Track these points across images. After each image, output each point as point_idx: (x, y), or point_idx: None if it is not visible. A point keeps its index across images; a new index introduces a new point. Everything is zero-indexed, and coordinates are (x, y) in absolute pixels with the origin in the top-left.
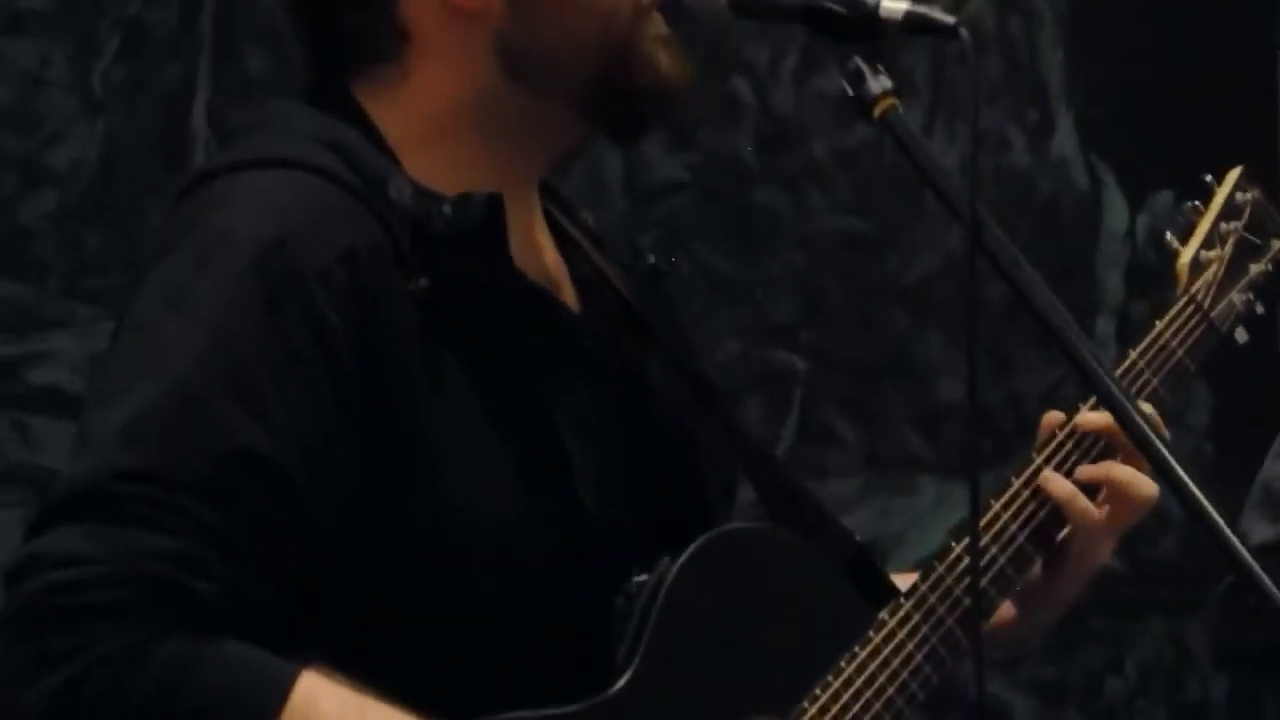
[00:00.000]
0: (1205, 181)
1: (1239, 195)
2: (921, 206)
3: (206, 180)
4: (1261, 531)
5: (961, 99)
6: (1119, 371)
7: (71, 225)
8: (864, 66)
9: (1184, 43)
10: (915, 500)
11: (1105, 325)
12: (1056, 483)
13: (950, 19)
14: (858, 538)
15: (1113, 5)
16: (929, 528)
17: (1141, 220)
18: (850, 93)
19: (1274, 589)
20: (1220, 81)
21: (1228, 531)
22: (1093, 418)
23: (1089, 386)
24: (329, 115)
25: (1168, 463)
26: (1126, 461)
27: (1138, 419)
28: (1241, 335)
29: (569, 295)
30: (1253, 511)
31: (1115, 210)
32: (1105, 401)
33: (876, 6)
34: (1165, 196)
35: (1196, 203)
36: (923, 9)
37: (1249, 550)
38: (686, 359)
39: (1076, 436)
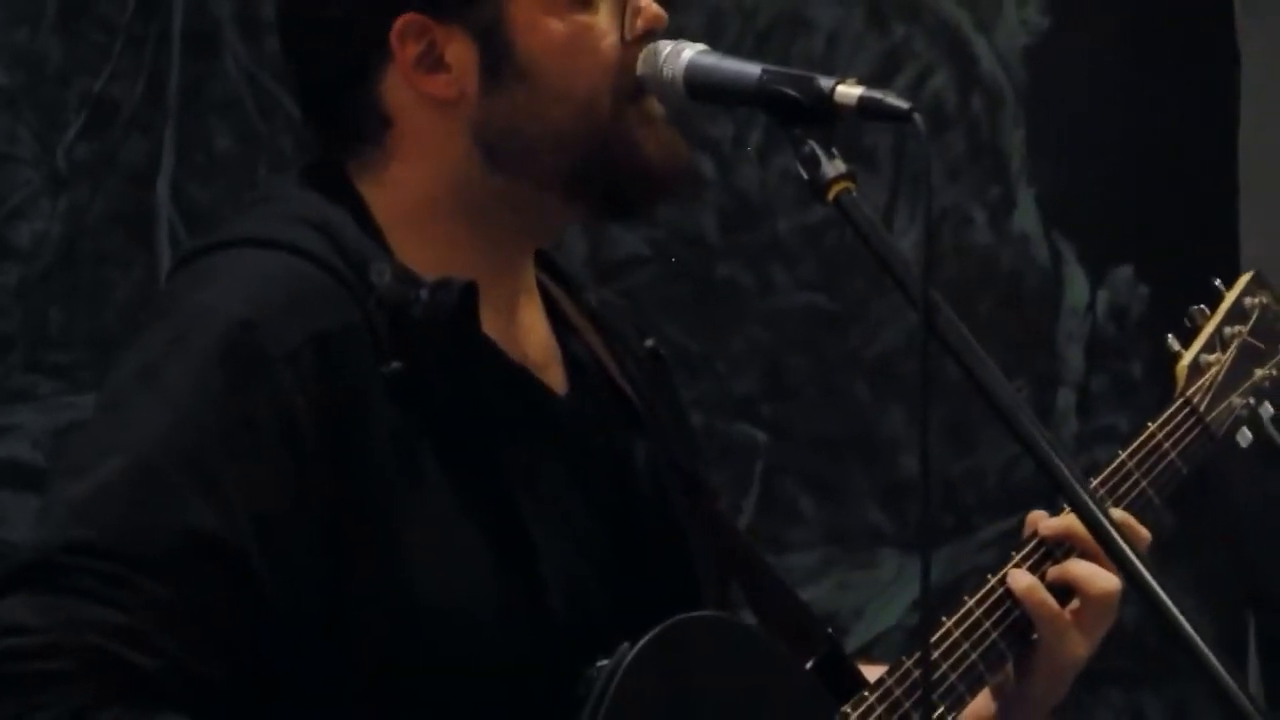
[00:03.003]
0: (1215, 285)
1: (1248, 300)
2: (883, 282)
3: (195, 257)
4: None
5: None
6: (1108, 471)
7: (35, 300)
8: (819, 150)
9: (1144, 120)
10: (876, 574)
11: (1066, 399)
12: (1019, 577)
13: (904, 104)
14: (830, 631)
15: (1073, 83)
16: (890, 601)
17: (1102, 295)
18: (805, 176)
19: (1235, 688)
20: (1181, 158)
21: (1174, 607)
22: (1052, 523)
23: (1039, 466)
24: (323, 193)
25: (1117, 545)
26: (1088, 558)
27: (1084, 497)
28: (1245, 438)
29: (556, 377)
30: None
31: (1076, 286)
32: (1050, 477)
33: (831, 92)
34: (1125, 272)
35: (1203, 306)
36: (877, 94)
37: None
38: (678, 447)
39: (1047, 540)
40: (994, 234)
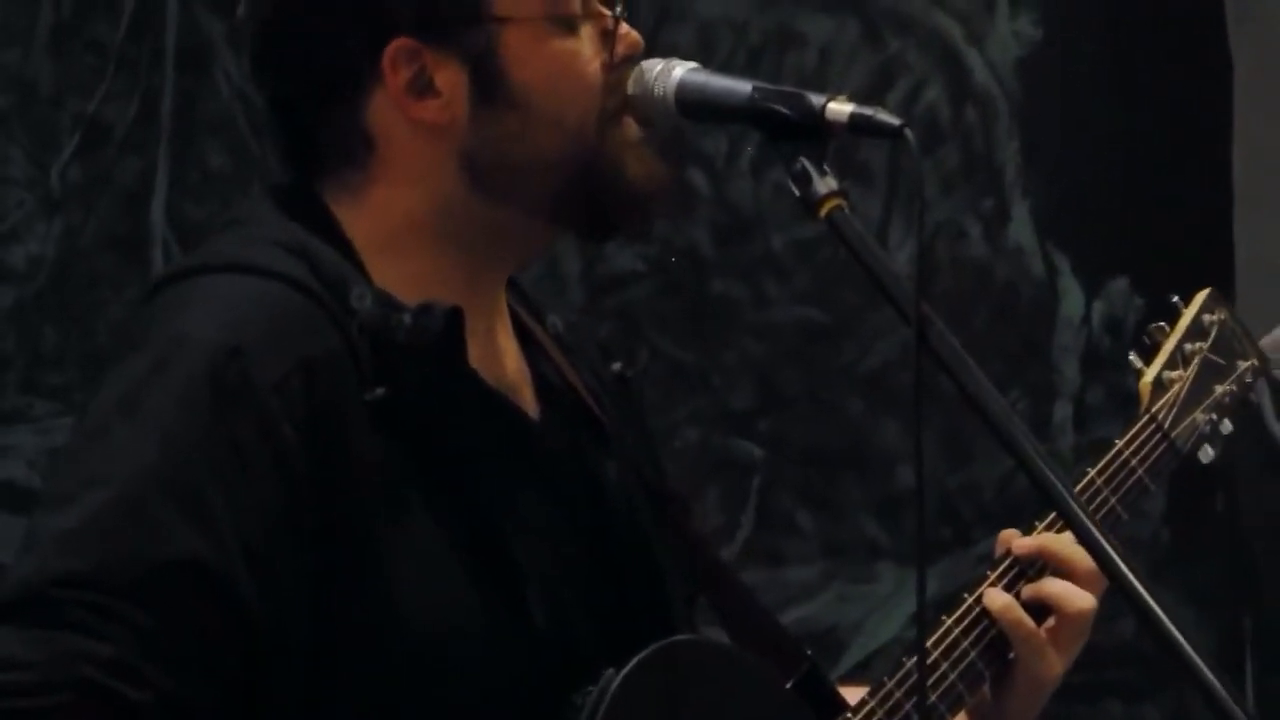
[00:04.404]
0: (1173, 302)
1: (1206, 317)
2: (877, 296)
3: (171, 282)
4: None
5: (918, 190)
6: (1077, 489)
7: (29, 321)
8: (810, 167)
9: (1138, 131)
10: (874, 587)
11: (1062, 411)
12: (995, 597)
13: (895, 120)
14: (809, 652)
15: (1067, 95)
16: (888, 615)
17: (1097, 307)
18: (797, 193)
19: (1228, 700)
20: (1175, 170)
21: (1168, 621)
22: (1025, 542)
23: (1030, 479)
24: (297, 215)
25: (1110, 558)
26: (1062, 576)
27: (1077, 510)
28: (1207, 454)
29: (529, 400)
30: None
31: (1071, 298)
32: (1043, 491)
33: (822, 109)
34: (1120, 283)
35: (1163, 323)
36: (868, 110)
37: None
38: (648, 466)
39: (1020, 559)
40: (989, 246)
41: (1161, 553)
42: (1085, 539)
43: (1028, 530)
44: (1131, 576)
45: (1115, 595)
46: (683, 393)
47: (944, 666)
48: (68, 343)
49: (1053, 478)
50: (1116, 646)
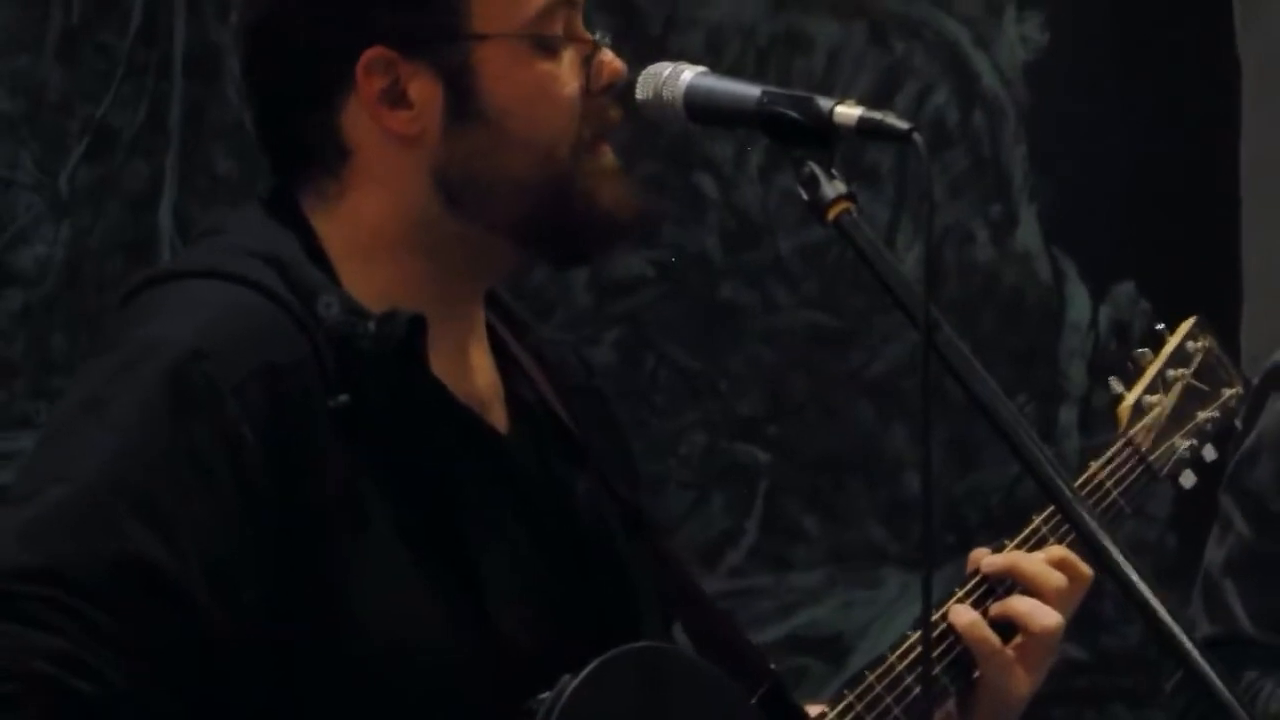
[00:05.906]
0: (1157, 330)
1: (1190, 344)
2: (885, 300)
3: (144, 288)
4: (1202, 626)
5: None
6: (1051, 509)
7: (38, 325)
8: (818, 171)
9: (1145, 134)
10: (879, 592)
11: (1068, 415)
12: (960, 613)
13: (904, 124)
14: (773, 667)
15: (1075, 100)
16: (893, 620)
17: (1104, 311)
18: (805, 197)
19: (1235, 703)
20: (1181, 174)
21: (1175, 627)
22: (995, 560)
23: (1037, 483)
24: (276, 224)
25: (1116, 564)
26: (1031, 594)
27: (1085, 517)
28: (1188, 479)
29: (498, 415)
30: (1196, 603)
31: (1077, 302)
32: (1051, 496)
33: (831, 113)
34: (1127, 288)
35: (1146, 349)
36: (877, 115)
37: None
38: (620, 483)
39: (989, 577)
40: (996, 251)
41: (1168, 558)
42: (1092, 545)
43: (998, 549)
44: (1138, 581)
45: (1122, 601)
46: (690, 398)
47: (908, 680)
48: (76, 347)
49: (1060, 484)
50: (1123, 652)
